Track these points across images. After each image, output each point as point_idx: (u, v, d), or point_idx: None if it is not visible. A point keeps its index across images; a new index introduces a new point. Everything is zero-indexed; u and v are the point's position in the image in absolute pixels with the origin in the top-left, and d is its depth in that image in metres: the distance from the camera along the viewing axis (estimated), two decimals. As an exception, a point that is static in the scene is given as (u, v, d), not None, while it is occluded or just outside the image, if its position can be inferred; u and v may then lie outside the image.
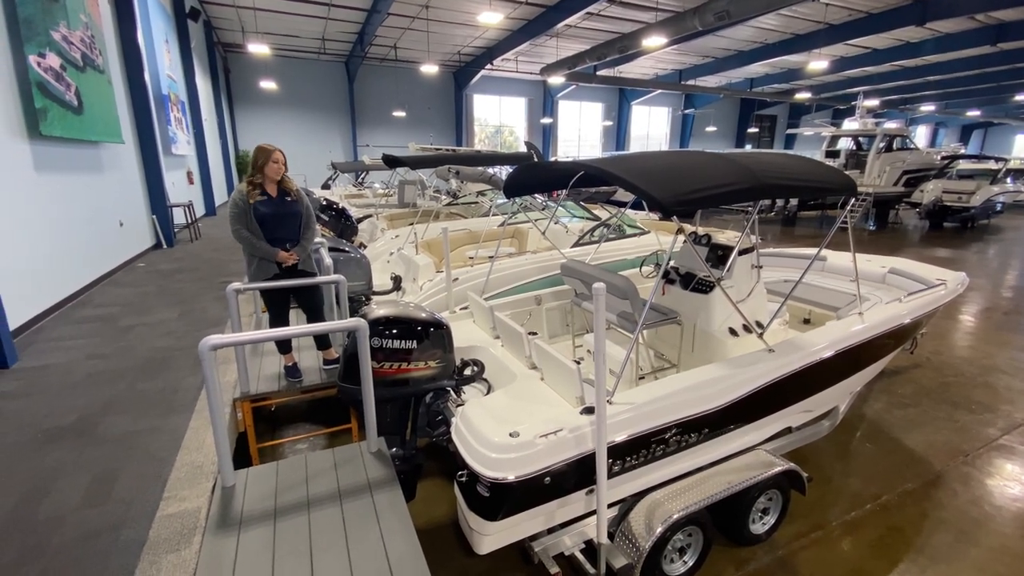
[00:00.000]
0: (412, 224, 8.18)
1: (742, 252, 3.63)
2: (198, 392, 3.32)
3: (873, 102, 23.48)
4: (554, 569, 2.44)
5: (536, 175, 3.92)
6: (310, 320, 3.66)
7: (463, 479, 2.38)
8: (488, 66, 22.10)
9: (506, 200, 8.74)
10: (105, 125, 6.94)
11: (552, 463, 2.26)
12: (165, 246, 9.20)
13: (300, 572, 1.74)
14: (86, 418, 3.11)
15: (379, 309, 2.91)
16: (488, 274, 4.35)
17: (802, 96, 24.16)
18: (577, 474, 2.36)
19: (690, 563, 2.74)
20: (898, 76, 23.38)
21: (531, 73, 23.72)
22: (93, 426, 3.02)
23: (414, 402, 3.04)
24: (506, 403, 2.66)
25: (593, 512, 2.61)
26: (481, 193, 9.54)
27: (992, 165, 16.99)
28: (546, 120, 27.61)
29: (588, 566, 2.52)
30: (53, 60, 5.42)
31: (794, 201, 16.36)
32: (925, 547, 3.03)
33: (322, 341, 3.72)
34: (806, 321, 4.55)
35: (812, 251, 5.31)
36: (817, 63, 18.17)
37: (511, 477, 2.17)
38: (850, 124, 17.93)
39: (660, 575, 2.62)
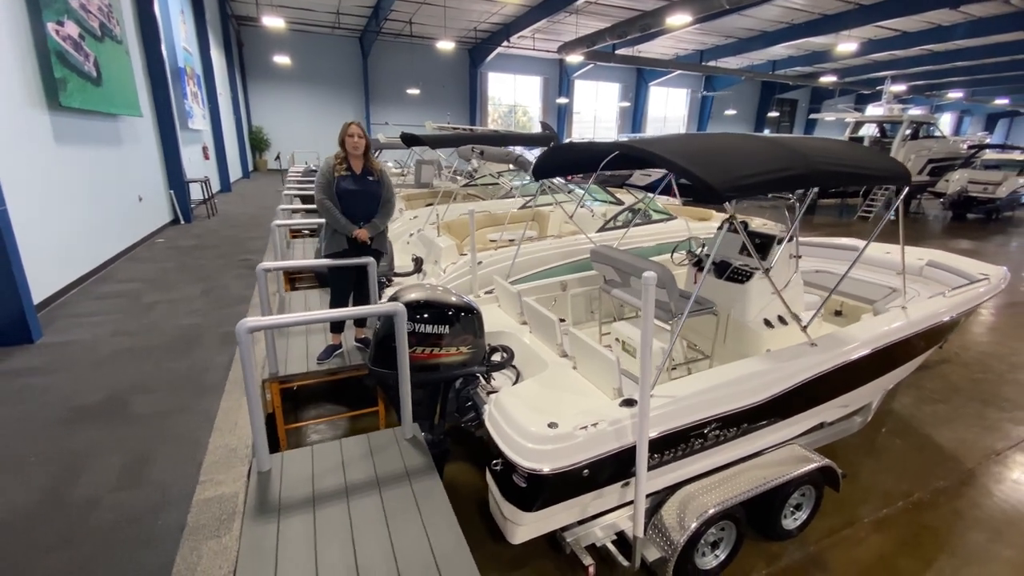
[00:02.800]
0: (430, 205, 8.10)
1: (781, 241, 3.52)
2: (227, 372, 3.30)
3: (900, 87, 22.76)
4: (588, 560, 2.41)
5: (568, 156, 3.80)
6: (357, 300, 3.67)
7: (498, 468, 2.35)
8: (504, 43, 21.63)
9: (526, 182, 8.62)
10: (124, 97, 6.86)
11: (591, 456, 2.21)
12: (183, 222, 9.20)
13: (343, 561, 1.72)
14: (115, 397, 3.11)
15: (410, 292, 2.85)
16: (514, 258, 4.27)
17: (827, 80, 23.47)
18: (614, 467, 2.31)
19: (722, 557, 2.71)
20: (926, 61, 22.62)
21: (548, 51, 23.22)
22: (123, 405, 3.03)
23: (443, 387, 3.01)
24: (539, 392, 2.60)
25: (625, 504, 2.58)
26: (499, 174, 9.40)
27: (1018, 156, 16.47)
28: (562, 100, 27.11)
29: (621, 558, 2.49)
30: (72, 28, 5.32)
31: (815, 188, 15.98)
32: (959, 547, 2.97)
33: (360, 322, 3.77)
34: (838, 313, 4.45)
35: (845, 241, 5.17)
36: (846, 45, 17.57)
37: (550, 469, 2.13)
38: (874, 110, 17.44)
39: (692, 568, 2.59)
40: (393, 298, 2.85)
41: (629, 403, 2.36)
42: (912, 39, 19.16)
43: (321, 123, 22.80)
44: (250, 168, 21.04)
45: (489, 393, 2.87)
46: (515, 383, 3.02)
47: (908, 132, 15.26)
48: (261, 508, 1.94)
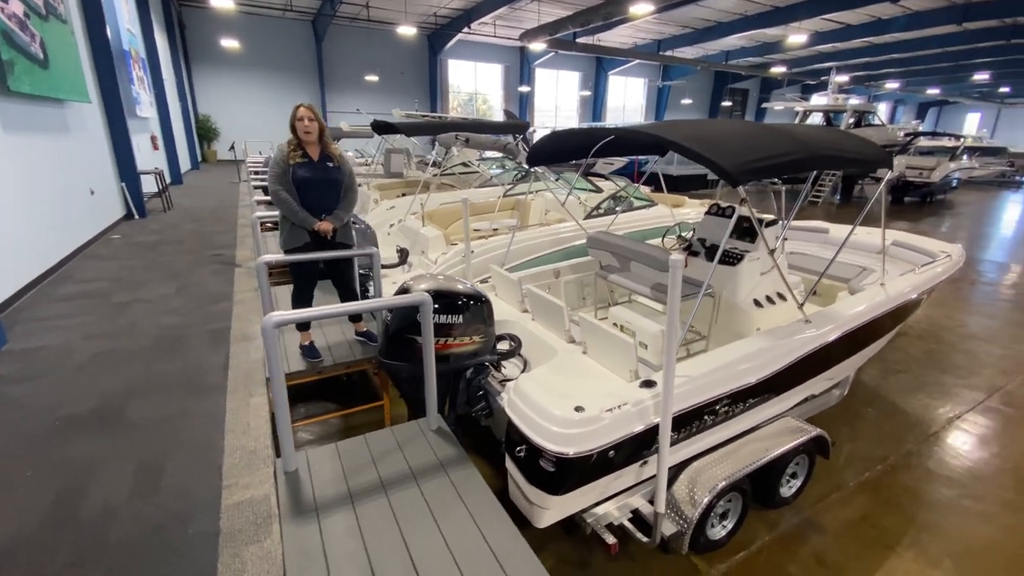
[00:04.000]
0: (403, 195, 7.96)
1: (768, 225, 3.69)
2: (225, 372, 3.16)
3: (843, 78, 23.99)
4: (611, 539, 2.49)
5: (566, 143, 3.82)
6: (343, 297, 3.54)
7: (521, 454, 2.38)
8: (465, 30, 21.31)
9: (505, 170, 8.60)
10: (71, 82, 6.36)
11: (617, 437, 2.28)
12: (137, 217, 8.66)
13: (395, 554, 1.71)
14: (107, 404, 2.93)
15: (420, 282, 2.83)
16: (509, 245, 4.28)
17: (777, 70, 24.42)
18: (635, 447, 2.40)
19: (729, 527, 2.86)
20: (866, 53, 23.89)
21: (509, 39, 23.05)
22: (118, 412, 2.86)
23: (453, 378, 3.00)
24: (556, 378, 2.65)
25: (640, 483, 2.67)
26: (479, 163, 9.32)
27: (947, 142, 17.73)
28: (524, 88, 27.03)
29: (639, 535, 2.58)
30: (16, 6, 4.88)
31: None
32: (934, 503, 3.26)
33: (354, 317, 3.65)
34: (813, 293, 4.71)
35: (814, 224, 5.47)
36: (796, 37, 18.33)
37: (579, 452, 2.18)
38: (818, 99, 18.36)
39: (704, 539, 2.73)
40: (403, 289, 2.82)
41: (648, 384, 2.44)
42: (854, 31, 20.18)
43: (274, 111, 21.82)
44: (199, 159, 19.95)
45: (502, 382, 2.90)
46: (523, 371, 3.05)
47: (851, 120, 16.16)
48: (297, 509, 1.89)
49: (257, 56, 21.48)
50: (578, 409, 2.25)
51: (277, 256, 2.92)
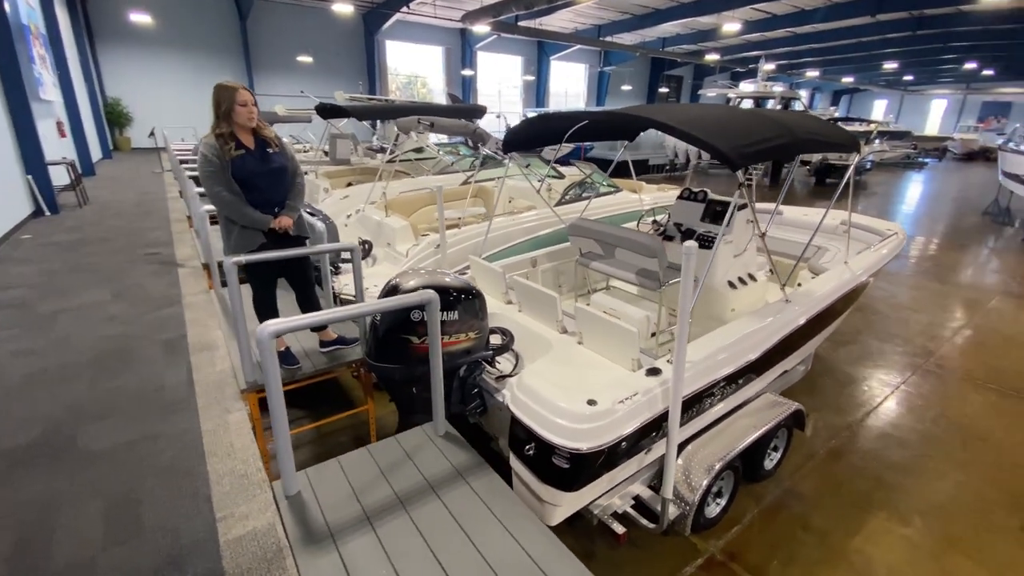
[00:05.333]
0: (351, 184, 7.56)
1: (741, 208, 3.79)
2: (190, 387, 2.83)
3: (770, 66, 25.30)
4: (621, 529, 2.49)
5: (544, 128, 3.72)
6: (302, 295, 3.23)
7: (531, 452, 2.32)
8: (404, 10, 20.51)
9: (459, 157, 8.36)
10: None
11: (630, 428, 2.27)
12: (48, 213, 7.70)
13: (428, 572, 1.59)
14: (54, 432, 2.52)
15: (410, 278, 2.67)
16: (486, 234, 4.16)
17: (711, 57, 25.35)
18: (643, 436, 2.40)
19: (723, 504, 2.95)
20: (789, 42, 25.30)
21: (450, 20, 22.41)
22: (68, 441, 2.48)
23: (447, 377, 2.88)
24: (558, 371, 2.59)
25: (640, 470, 2.69)
26: (428, 148, 9.01)
27: (861, 127, 19.19)
28: (467, 72, 26.49)
29: (644, 521, 2.60)
30: None
31: (706, 157, 17.48)
32: (896, 462, 3.53)
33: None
34: (771, 272, 4.93)
35: (769, 205, 5.71)
36: (730, 25, 19.07)
37: (595, 446, 2.15)
38: (746, 86, 19.30)
39: (702, 519, 2.80)
40: (393, 287, 2.65)
41: (654, 372, 2.44)
42: (779, 21, 21.28)
43: (194, 94, 20.10)
44: (111, 147, 18.09)
45: (499, 378, 2.81)
46: (515, 365, 2.97)
47: (779, 107, 17.12)
48: (310, 537, 1.71)
49: (173, 33, 19.62)
50: (591, 402, 2.21)
51: (250, 256, 2.63)
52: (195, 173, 7.01)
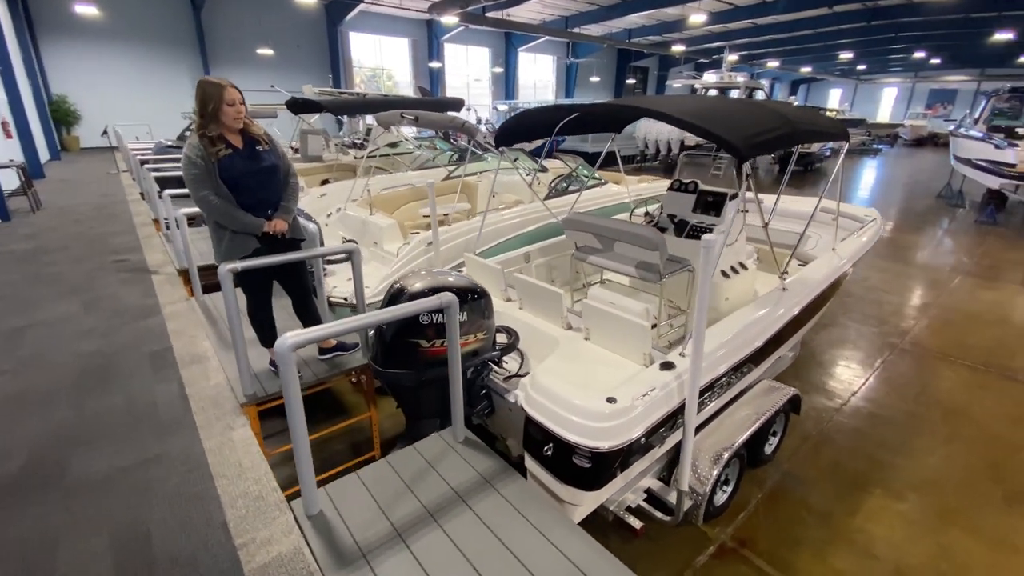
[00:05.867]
0: (326, 181, 7.34)
1: (733, 197, 3.85)
2: (185, 402, 2.66)
3: (733, 56, 25.83)
4: (638, 524, 2.50)
5: (537, 121, 3.67)
6: (299, 303, 3.08)
7: (549, 452, 2.30)
8: (367, 0, 19.99)
9: (438, 152, 8.22)
10: None
11: (650, 423, 2.27)
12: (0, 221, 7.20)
13: (476, 589, 1.53)
14: (42, 459, 2.34)
15: (415, 280, 2.60)
16: (480, 230, 4.09)
17: (678, 49, 25.69)
18: (659, 430, 2.41)
19: (729, 491, 3.00)
20: (750, 33, 25.89)
21: (417, 10, 21.98)
22: (59, 469, 2.30)
23: None
24: (570, 368, 2.58)
25: (652, 463, 2.70)
26: (393, 144, 8.81)
27: (821, 116, 19.80)
28: (435, 64, 26.06)
29: (659, 514, 2.61)
30: None
31: (675, 149, 17.78)
32: (885, 443, 3.66)
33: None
34: (758, 259, 5.03)
35: (749, 195, 5.83)
36: (697, 16, 19.34)
37: (617, 444, 2.14)
38: (709, 76, 19.70)
39: (712, 507, 2.84)
40: (399, 289, 2.56)
41: (668, 366, 2.44)
42: (741, 12, 21.72)
43: (147, 90, 19.23)
44: (58, 147, 17.06)
45: (507, 378, 2.77)
46: (521, 364, 2.94)
47: (744, 96, 17.53)
48: (341, 559, 1.61)
49: (121, 25, 18.59)
50: (610, 400, 2.20)
51: (247, 262, 2.48)
52: (160, 174, 6.70)
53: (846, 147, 3.58)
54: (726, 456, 2.72)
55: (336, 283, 4.27)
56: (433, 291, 2.51)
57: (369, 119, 10.89)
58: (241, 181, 2.65)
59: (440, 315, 2.47)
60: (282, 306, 2.87)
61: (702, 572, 2.68)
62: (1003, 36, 18.98)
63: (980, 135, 11.50)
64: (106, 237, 6.31)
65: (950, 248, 8.81)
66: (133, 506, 2.09)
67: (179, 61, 20.12)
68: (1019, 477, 3.30)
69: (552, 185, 5.43)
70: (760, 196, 5.06)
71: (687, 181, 4.13)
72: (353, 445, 3.49)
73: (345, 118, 12.74)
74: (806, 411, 4.00)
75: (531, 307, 3.19)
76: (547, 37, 26.28)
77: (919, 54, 28.46)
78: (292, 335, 1.61)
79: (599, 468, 2.18)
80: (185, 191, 5.37)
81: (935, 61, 30.35)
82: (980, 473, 3.34)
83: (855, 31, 22.68)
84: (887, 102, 42.32)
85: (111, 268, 5.00)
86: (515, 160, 5.42)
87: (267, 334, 2.97)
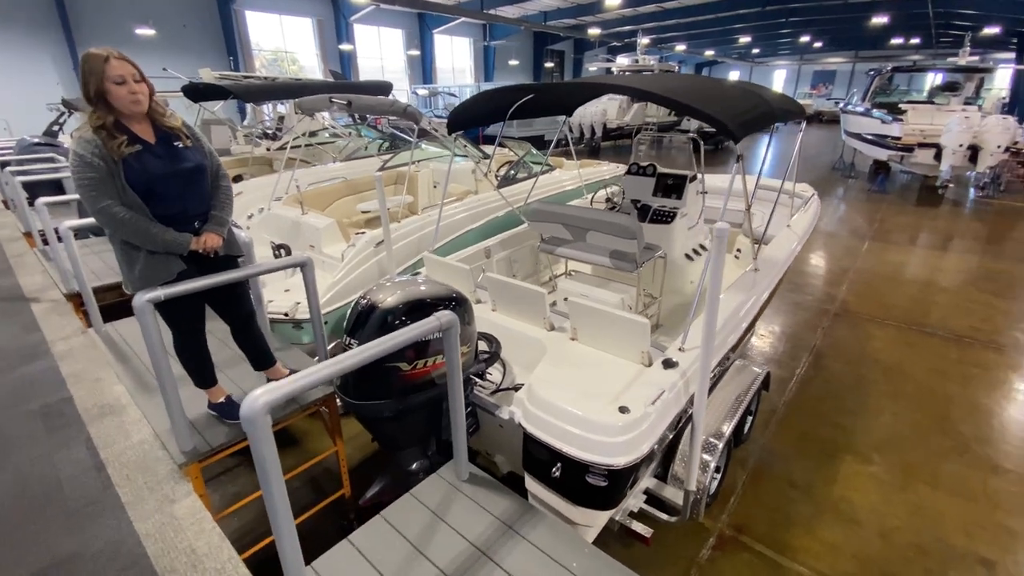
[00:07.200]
0: (239, 178, 6.55)
1: (693, 179, 3.82)
2: (101, 472, 2.06)
3: (644, 40, 26.69)
4: (648, 531, 2.37)
5: (490, 104, 3.39)
6: (241, 330, 2.53)
7: (557, 474, 2.09)
8: (263, -24, 18.24)
9: (369, 140, 7.61)
10: None
11: (663, 429, 2.13)
12: None
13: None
14: None
15: (388, 294, 2.23)
16: (437, 225, 3.76)
17: (594, 32, 26.03)
18: (669, 432, 2.28)
19: (718, 476, 2.98)
20: (658, 17, 26.84)
21: (320, -11, 20.43)
22: None
23: (435, 403, 2.49)
24: (565, 375, 2.36)
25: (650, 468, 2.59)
26: (312, 133, 8.06)
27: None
28: (345, 47, 24.47)
29: (665, 516, 2.51)
30: None
31: (599, 132, 18.12)
32: (842, 408, 3.85)
33: (263, 359, 2.61)
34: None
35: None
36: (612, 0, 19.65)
37: (635, 458, 1.97)
38: (622, 60, 20.25)
39: (708, 498, 2.79)
40: (371, 306, 2.19)
41: (670, 364, 2.31)
42: (649, -3, 22.43)
43: (3, 79, 16.42)
44: None
45: (493, 392, 2.52)
46: (504, 373, 2.69)
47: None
48: None
49: (-44, 0, 15.59)
50: (623, 410, 2.02)
51: (171, 289, 1.96)
52: (27, 178, 5.58)
53: (804, 125, 3.66)
54: (720, 445, 2.67)
55: (270, 295, 3.73)
56: (411, 305, 2.18)
57: (281, 106, 9.89)
58: (157, 187, 2.05)
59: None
60: (208, 330, 2.34)
61: (708, 566, 2.63)
62: (879, 20, 21.03)
63: (867, 110, 12.68)
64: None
65: (852, 215, 9.63)
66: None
67: (39, 45, 17.27)
68: (960, 427, 3.58)
69: (498, 172, 5.16)
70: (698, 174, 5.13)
71: (644, 164, 4.05)
72: (313, 482, 3.08)
73: (250, 106, 11.53)
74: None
75: (507, 309, 2.94)
76: (463, 19, 25.53)
77: (804, 38, 30.98)
78: (263, 392, 1.23)
79: (616, 485, 2.01)
80: (69, 198, 4.52)
81: (818, 44, 33.26)
82: (928, 428, 3.60)
83: (751, 16, 24.19)
84: (778, 83, 45.92)
85: (-26, 296, 4.05)
86: (465, 147, 5.07)
87: (205, 374, 2.43)
